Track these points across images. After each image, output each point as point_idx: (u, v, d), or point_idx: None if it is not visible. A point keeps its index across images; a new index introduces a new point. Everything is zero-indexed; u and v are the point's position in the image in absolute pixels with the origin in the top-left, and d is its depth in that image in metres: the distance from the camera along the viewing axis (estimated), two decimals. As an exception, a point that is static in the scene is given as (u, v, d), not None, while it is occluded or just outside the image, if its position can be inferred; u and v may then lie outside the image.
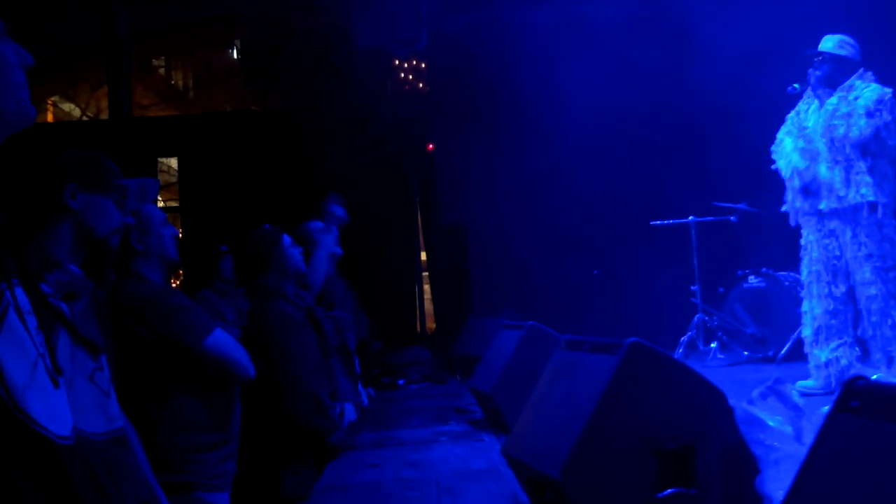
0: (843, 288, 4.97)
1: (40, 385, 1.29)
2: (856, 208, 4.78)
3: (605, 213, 7.87)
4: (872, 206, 4.74)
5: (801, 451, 1.47)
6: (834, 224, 4.92)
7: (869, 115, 4.68)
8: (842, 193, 4.81)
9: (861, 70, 4.91)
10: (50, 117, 13.68)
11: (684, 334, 6.89)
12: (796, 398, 2.34)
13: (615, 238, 7.80)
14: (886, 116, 4.67)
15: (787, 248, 6.42)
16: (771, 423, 2.27)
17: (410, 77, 12.85)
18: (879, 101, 4.70)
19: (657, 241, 7.29)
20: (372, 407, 5.21)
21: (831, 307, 4.99)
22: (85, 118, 13.77)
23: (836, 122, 4.80)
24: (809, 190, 4.95)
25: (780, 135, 5.23)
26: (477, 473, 3.16)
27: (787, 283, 6.71)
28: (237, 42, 14.04)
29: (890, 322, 4.72)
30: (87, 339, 1.45)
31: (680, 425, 2.18)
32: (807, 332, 5.14)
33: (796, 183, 5.02)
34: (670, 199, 7.43)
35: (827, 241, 4.99)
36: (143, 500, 1.51)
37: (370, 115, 10.08)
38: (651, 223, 7.26)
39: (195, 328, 2.64)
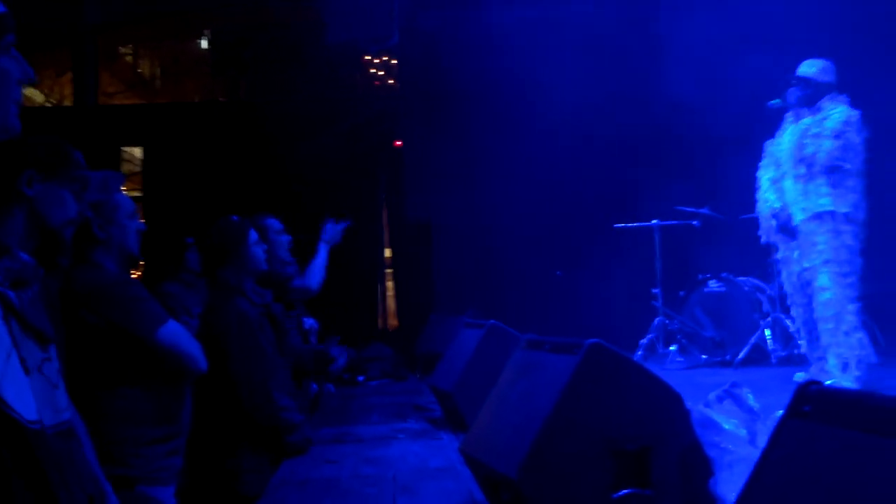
0: (807, 299, 5.12)
1: (13, 373, 1.29)
2: (816, 217, 4.92)
3: (570, 215, 7.92)
4: (831, 216, 4.87)
5: (755, 454, 1.48)
6: (798, 238, 5.06)
7: (836, 136, 4.89)
8: (803, 205, 4.98)
9: (834, 93, 5.06)
10: (11, 102, 13.37)
11: (644, 336, 6.95)
12: (751, 402, 2.37)
13: (579, 239, 7.85)
14: (854, 137, 4.90)
15: (747, 254, 6.50)
16: (726, 426, 2.29)
17: (380, 73, 12.80)
18: (846, 123, 4.91)
19: (620, 244, 7.34)
20: (330, 402, 5.19)
21: (806, 317, 5.20)
22: (48, 104, 13.51)
23: (806, 141, 5.00)
24: (787, 228, 5.09)
25: (759, 172, 5.37)
26: (434, 471, 3.16)
27: (746, 288, 6.79)
28: (207, 32, 13.84)
29: (844, 328, 4.85)
30: (36, 328, 1.41)
31: (638, 427, 2.19)
32: (801, 340, 5.44)
33: (773, 223, 5.24)
34: (635, 202, 7.48)
35: (791, 255, 5.16)
36: (89, 494, 1.48)
37: (339, 110, 10.02)
38: (615, 226, 7.30)
39: (148, 318, 2.58)
